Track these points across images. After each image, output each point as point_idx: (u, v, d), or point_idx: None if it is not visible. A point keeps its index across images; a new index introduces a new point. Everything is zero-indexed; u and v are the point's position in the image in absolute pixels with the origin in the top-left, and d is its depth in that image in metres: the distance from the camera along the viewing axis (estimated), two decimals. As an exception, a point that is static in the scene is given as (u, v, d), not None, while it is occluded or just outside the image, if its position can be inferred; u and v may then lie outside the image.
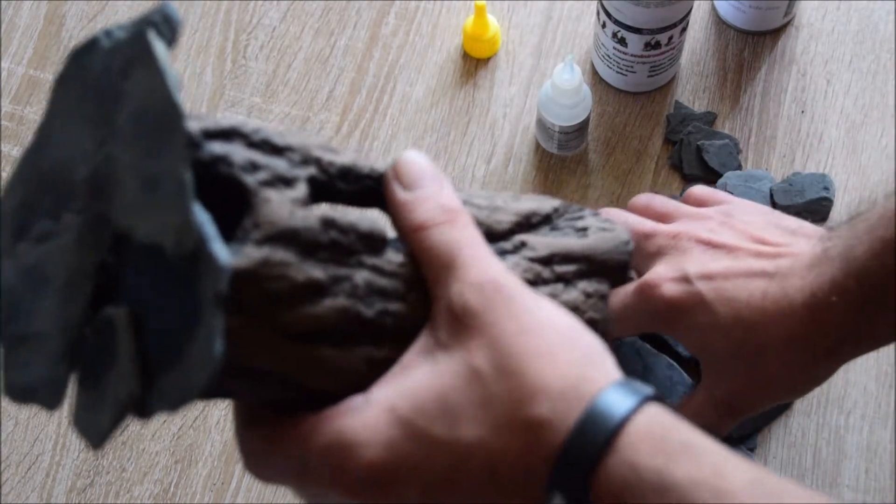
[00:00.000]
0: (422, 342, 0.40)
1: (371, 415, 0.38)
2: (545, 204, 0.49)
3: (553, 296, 0.45)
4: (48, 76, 0.83)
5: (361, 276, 0.40)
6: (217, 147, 0.38)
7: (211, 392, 0.39)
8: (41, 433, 0.74)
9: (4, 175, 0.81)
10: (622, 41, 0.76)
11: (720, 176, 0.77)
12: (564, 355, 0.38)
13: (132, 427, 0.74)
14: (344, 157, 0.42)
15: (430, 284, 0.41)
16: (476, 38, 0.81)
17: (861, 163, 0.79)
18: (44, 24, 0.85)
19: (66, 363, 0.38)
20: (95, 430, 0.37)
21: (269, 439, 0.40)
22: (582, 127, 0.77)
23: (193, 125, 0.38)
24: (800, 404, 0.73)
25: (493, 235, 0.45)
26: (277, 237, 0.37)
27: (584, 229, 0.49)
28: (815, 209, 0.77)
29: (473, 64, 0.82)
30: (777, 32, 0.82)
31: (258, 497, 0.72)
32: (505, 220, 0.46)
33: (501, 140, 0.80)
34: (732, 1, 0.80)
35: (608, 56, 0.78)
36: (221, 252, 0.34)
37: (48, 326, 0.39)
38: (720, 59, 0.82)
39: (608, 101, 0.81)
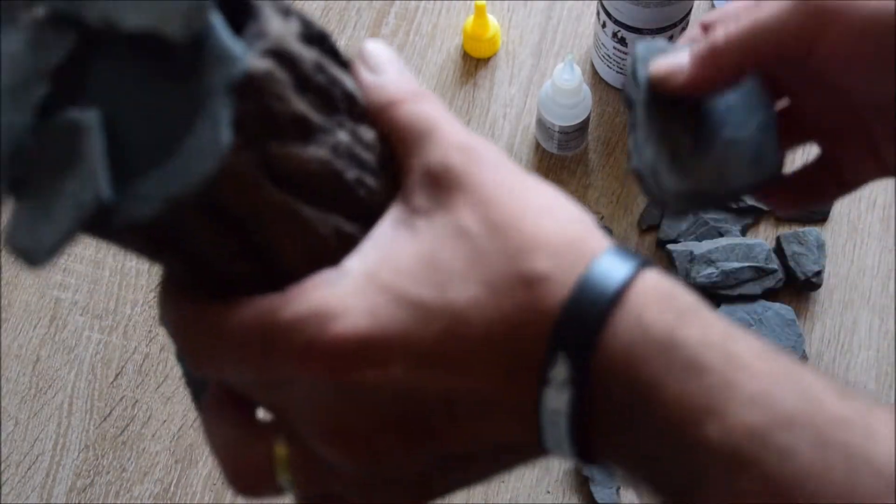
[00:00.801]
0: (393, 214, 0.36)
1: (349, 283, 0.34)
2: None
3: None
4: (48, 76, 0.83)
5: (343, 136, 0.37)
6: None
7: (171, 226, 0.34)
8: (41, 433, 0.74)
9: (4, 175, 0.81)
10: (622, 41, 0.76)
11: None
12: (561, 213, 0.36)
13: (132, 427, 0.74)
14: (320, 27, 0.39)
15: (404, 157, 0.37)
16: (476, 38, 0.81)
17: (861, 163, 0.79)
18: (44, 23, 0.85)
19: (5, 175, 0.33)
20: (40, 244, 0.32)
21: (219, 313, 0.35)
22: (582, 127, 0.77)
23: None
24: (800, 404, 0.73)
25: None
26: (281, 54, 0.34)
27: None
28: (815, 209, 0.77)
29: (473, 64, 0.82)
30: (777, 32, 0.82)
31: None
32: None
33: (501, 140, 0.80)
34: (733, 1, 0.80)
35: (608, 56, 0.78)
36: (235, 43, 0.32)
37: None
38: (720, 59, 0.82)
39: (608, 101, 0.81)
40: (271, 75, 0.33)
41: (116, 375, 0.75)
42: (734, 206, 0.77)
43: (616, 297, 0.33)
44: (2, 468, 0.73)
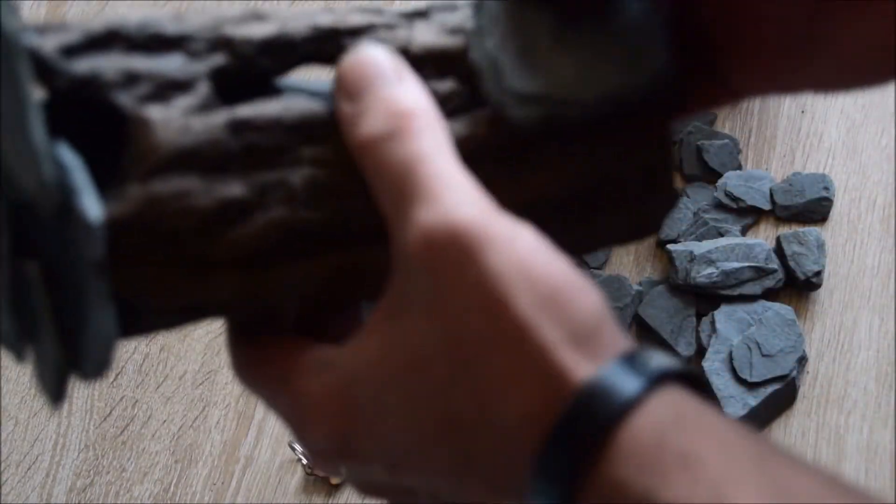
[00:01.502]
0: (386, 296, 0.33)
1: (329, 379, 0.33)
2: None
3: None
4: (48, 76, 0.83)
5: (300, 175, 0.32)
6: (83, 65, 0.31)
7: (166, 327, 0.34)
8: (41, 433, 0.74)
9: (4, 175, 0.81)
10: (622, 41, 0.75)
11: (720, 176, 0.77)
12: (535, 341, 0.30)
13: (132, 427, 0.74)
14: (270, 24, 0.34)
15: (385, 218, 0.32)
16: (476, 38, 0.81)
17: (861, 163, 0.79)
18: (44, 24, 0.85)
19: (15, 320, 0.32)
20: (48, 388, 0.33)
21: (251, 362, 0.35)
22: (582, 127, 0.76)
23: (52, 43, 0.32)
24: (800, 404, 0.73)
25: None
26: (168, 164, 0.31)
27: None
28: (815, 209, 0.77)
29: (473, 64, 0.82)
30: (777, 32, 0.82)
31: (258, 497, 0.72)
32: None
33: (501, 140, 0.80)
34: None
35: (608, 56, 0.78)
36: (88, 206, 0.29)
37: None
38: (720, 59, 0.82)
39: (608, 101, 0.81)
40: (153, 200, 0.30)
41: (116, 375, 0.75)
42: (734, 206, 0.77)
43: (589, 452, 0.29)
44: (2, 468, 0.73)
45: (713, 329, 0.73)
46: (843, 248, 0.77)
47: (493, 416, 0.30)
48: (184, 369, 0.75)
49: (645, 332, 0.74)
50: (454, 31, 0.36)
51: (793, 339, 0.72)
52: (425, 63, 0.35)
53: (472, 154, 0.33)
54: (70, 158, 0.29)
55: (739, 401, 0.70)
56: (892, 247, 0.76)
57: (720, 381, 0.71)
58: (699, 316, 0.74)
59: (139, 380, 0.75)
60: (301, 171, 0.33)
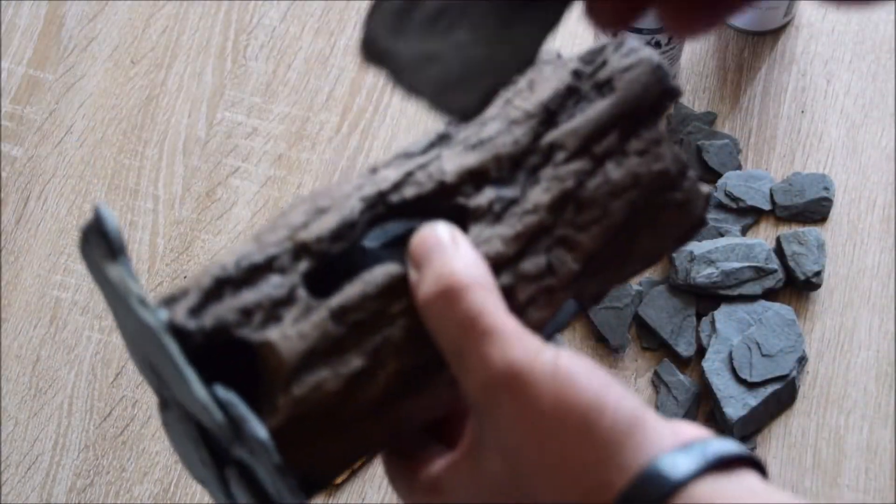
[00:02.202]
0: (464, 436, 0.38)
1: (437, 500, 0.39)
2: (562, 75, 0.43)
3: (604, 185, 0.41)
4: (48, 76, 0.83)
5: (399, 328, 0.38)
6: (209, 319, 0.38)
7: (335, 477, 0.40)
8: (41, 433, 0.74)
9: (5, 175, 0.81)
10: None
11: (720, 176, 0.77)
12: (574, 460, 0.34)
13: (132, 427, 0.74)
14: (330, 215, 0.40)
15: (452, 370, 0.38)
16: (476, 38, 0.81)
17: (861, 163, 0.79)
18: (44, 24, 0.85)
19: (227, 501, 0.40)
20: None
21: (392, 475, 0.41)
22: (582, 127, 0.76)
23: (180, 311, 0.38)
24: (800, 404, 0.73)
25: (517, 157, 0.41)
26: (297, 370, 0.37)
27: (608, 82, 0.43)
28: (815, 209, 0.77)
29: (473, 64, 0.82)
30: (777, 32, 0.82)
31: (258, 497, 0.72)
32: (523, 131, 0.41)
33: (501, 140, 0.80)
34: None
35: (608, 56, 0.78)
36: (256, 430, 0.35)
37: (203, 472, 0.40)
38: (720, 59, 0.82)
39: (608, 101, 0.81)
40: (300, 401, 0.37)
41: (116, 375, 0.75)
42: (734, 206, 0.77)
43: None
44: (2, 468, 0.73)
45: (713, 329, 0.73)
46: (843, 248, 0.77)
47: None
48: (184, 369, 0.75)
49: (645, 332, 0.74)
50: (475, 145, 0.41)
51: (793, 339, 0.72)
52: (462, 185, 0.41)
53: (533, 237, 0.40)
54: (228, 396, 0.35)
55: (739, 401, 0.70)
56: (892, 247, 0.76)
57: (720, 381, 0.71)
58: (699, 316, 0.74)
59: (139, 380, 0.75)
60: (398, 323, 0.38)
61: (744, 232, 0.77)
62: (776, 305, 0.73)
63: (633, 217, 0.41)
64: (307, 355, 0.37)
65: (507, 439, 0.35)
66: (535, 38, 0.37)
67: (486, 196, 0.40)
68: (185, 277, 0.78)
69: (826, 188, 0.77)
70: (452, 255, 0.37)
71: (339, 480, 0.72)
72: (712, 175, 0.78)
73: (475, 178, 0.41)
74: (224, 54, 0.83)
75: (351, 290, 0.38)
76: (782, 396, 0.72)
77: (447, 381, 0.39)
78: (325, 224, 0.40)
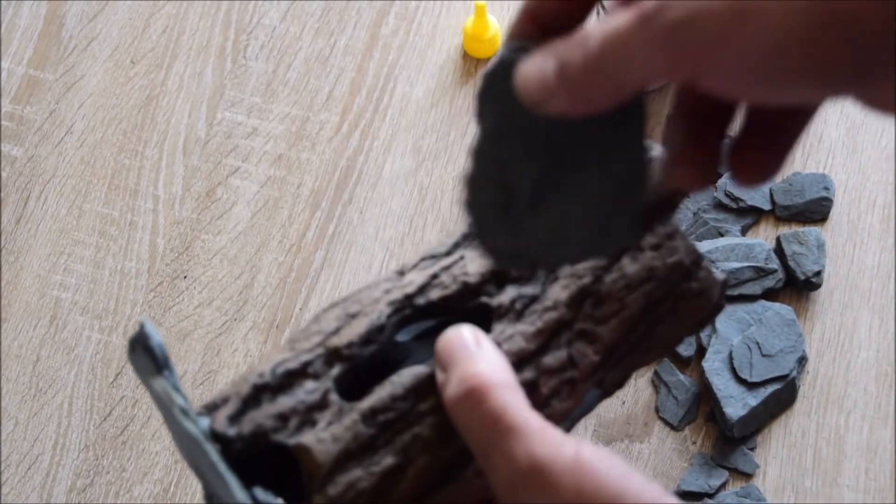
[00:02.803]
0: None
1: None
2: None
3: (621, 279, 0.43)
4: (48, 76, 0.83)
5: (427, 424, 0.40)
6: (247, 426, 0.40)
7: None
8: (41, 433, 0.74)
9: (5, 175, 0.81)
10: (622, 41, 0.75)
11: (720, 176, 0.77)
12: None
13: (132, 427, 0.74)
14: (360, 320, 0.42)
15: (483, 470, 0.40)
16: (476, 38, 0.81)
17: (861, 163, 0.79)
18: (44, 24, 0.85)
19: None
20: None
21: None
22: (582, 127, 0.76)
23: (220, 418, 0.40)
24: (800, 404, 0.73)
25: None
26: (332, 472, 0.39)
27: None
28: (815, 209, 0.77)
29: (473, 64, 0.82)
30: (777, 32, 0.82)
31: (258, 497, 0.72)
32: None
33: (501, 140, 0.80)
34: None
35: (608, 56, 0.78)
36: None
37: None
38: (720, 59, 0.82)
39: (608, 101, 0.81)
40: (337, 500, 0.39)
41: (116, 375, 0.75)
42: (734, 206, 0.77)
43: None
44: (2, 468, 0.73)
45: (713, 329, 0.73)
46: (843, 248, 0.77)
47: None
48: (184, 369, 0.75)
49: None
50: None
51: (793, 339, 0.72)
52: (485, 284, 0.43)
53: (553, 332, 0.42)
54: (267, 498, 0.38)
55: (739, 401, 0.70)
56: (892, 247, 0.76)
57: (720, 381, 0.71)
58: (699, 316, 0.74)
59: (139, 380, 0.75)
60: (426, 421, 0.40)
61: (744, 232, 0.77)
62: (776, 305, 0.73)
63: (651, 308, 0.44)
64: (341, 457, 0.39)
65: None
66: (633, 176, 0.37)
67: (507, 294, 0.43)
68: (185, 277, 0.78)
69: (826, 188, 0.77)
70: (476, 357, 0.39)
71: None
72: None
73: (497, 277, 0.43)
74: (224, 54, 0.83)
75: (380, 393, 0.40)
76: (782, 396, 0.72)
77: (477, 471, 0.40)
78: (356, 329, 0.42)
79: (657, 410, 0.73)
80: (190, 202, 0.80)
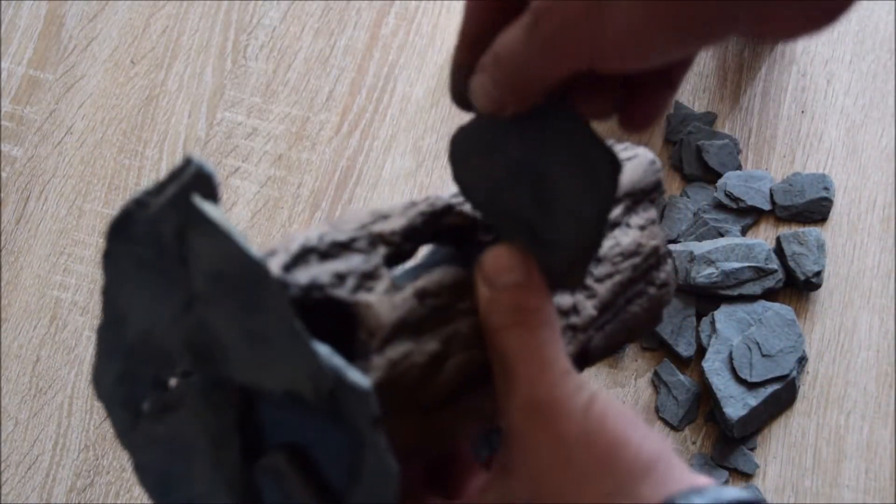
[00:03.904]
0: (498, 456, 0.41)
1: None
2: None
3: (615, 246, 0.46)
4: (48, 76, 0.83)
5: (466, 324, 0.41)
6: (302, 276, 0.39)
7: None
8: (41, 433, 0.74)
9: (5, 175, 0.81)
10: (622, 41, 0.75)
11: (720, 176, 0.77)
12: (595, 488, 0.37)
13: (132, 427, 0.74)
14: (397, 219, 0.43)
15: (497, 391, 0.41)
16: (476, 38, 0.81)
17: (861, 163, 0.79)
18: (44, 24, 0.85)
19: None
20: None
21: None
22: (582, 127, 0.77)
23: (273, 264, 0.38)
24: (800, 404, 0.73)
25: None
26: (391, 335, 0.39)
27: None
28: (815, 209, 0.77)
29: (473, 64, 0.82)
30: (777, 32, 0.82)
31: (258, 497, 0.72)
32: None
33: (501, 140, 0.80)
34: None
35: (608, 56, 0.78)
36: (360, 379, 0.35)
37: (209, 486, 0.40)
38: (720, 59, 0.82)
39: (608, 101, 0.81)
40: (392, 365, 0.38)
41: (116, 375, 0.75)
42: (734, 206, 0.77)
43: None
44: (2, 468, 0.73)
45: (713, 329, 0.73)
46: (843, 248, 0.77)
47: None
48: (184, 369, 0.75)
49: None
50: None
51: (793, 339, 0.72)
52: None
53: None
54: (326, 349, 0.35)
55: (739, 401, 0.70)
56: (892, 247, 0.76)
57: (720, 381, 0.71)
58: (699, 316, 0.74)
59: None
60: (465, 320, 0.41)
61: (744, 232, 0.77)
62: (776, 305, 0.73)
63: (631, 283, 0.47)
64: (398, 325, 0.39)
65: (534, 463, 0.38)
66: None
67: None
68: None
69: (826, 188, 0.77)
70: (529, 288, 0.41)
71: None
72: (712, 175, 0.78)
73: None
74: (224, 54, 0.83)
75: (430, 277, 0.41)
76: (782, 396, 0.72)
77: (490, 393, 0.41)
78: (393, 224, 0.42)
79: (657, 410, 0.73)
80: (190, 202, 0.80)
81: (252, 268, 0.35)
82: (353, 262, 0.40)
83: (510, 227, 0.42)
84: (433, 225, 0.44)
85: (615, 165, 0.38)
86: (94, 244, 0.79)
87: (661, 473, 0.37)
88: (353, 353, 0.39)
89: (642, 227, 0.47)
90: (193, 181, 0.36)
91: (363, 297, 0.39)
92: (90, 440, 0.74)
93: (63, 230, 0.79)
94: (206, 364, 0.38)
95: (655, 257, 0.47)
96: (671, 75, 0.41)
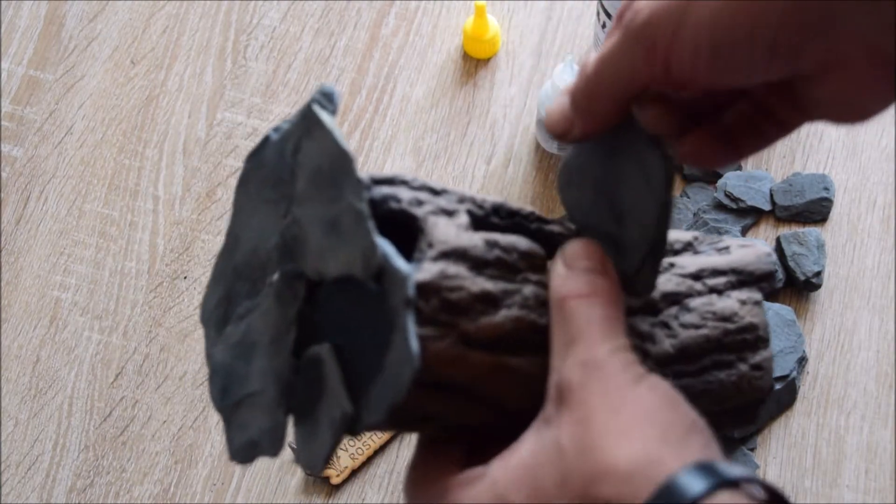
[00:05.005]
0: (540, 415, 0.42)
1: (481, 488, 0.41)
2: (684, 234, 0.51)
3: (709, 305, 0.48)
4: (48, 76, 0.83)
5: (529, 290, 0.43)
6: (385, 188, 0.43)
7: (408, 411, 0.41)
8: (41, 433, 0.74)
9: (5, 175, 0.81)
10: (622, 41, 0.75)
11: (720, 176, 0.77)
12: (640, 433, 0.38)
13: (132, 427, 0.74)
14: (492, 198, 0.46)
15: (552, 355, 0.42)
16: (476, 39, 0.81)
17: (861, 163, 0.79)
18: (44, 24, 0.85)
19: (283, 409, 0.43)
20: (315, 457, 0.41)
21: (416, 485, 0.44)
22: (582, 127, 0.77)
23: (363, 174, 0.42)
24: (800, 404, 0.73)
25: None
26: (450, 253, 0.41)
27: (726, 248, 0.51)
28: (815, 209, 0.77)
29: (473, 64, 0.82)
30: (777, 32, 0.82)
31: (258, 497, 0.72)
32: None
33: (501, 140, 0.80)
34: None
35: (608, 56, 0.78)
36: (403, 264, 0.39)
37: (262, 383, 0.43)
38: (720, 60, 0.82)
39: (608, 102, 0.81)
40: (442, 275, 0.41)
41: (116, 376, 0.75)
42: (734, 206, 0.77)
43: None
44: (2, 468, 0.74)
45: (713, 329, 0.73)
46: (843, 249, 0.77)
47: (596, 494, 0.37)
48: (184, 370, 0.75)
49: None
50: None
51: (793, 340, 0.72)
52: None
53: (630, 307, 0.46)
54: (383, 241, 0.40)
55: (739, 401, 0.70)
56: (892, 247, 0.76)
57: (720, 381, 0.71)
58: (699, 316, 0.74)
59: (139, 380, 0.75)
60: (530, 287, 0.43)
61: (744, 232, 0.77)
62: (776, 305, 0.73)
63: (720, 351, 0.47)
64: (459, 250, 0.42)
65: (582, 410, 0.39)
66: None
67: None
68: (185, 278, 0.78)
69: (826, 188, 0.77)
70: (604, 273, 0.43)
71: (338, 480, 0.72)
72: (712, 175, 0.78)
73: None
74: (224, 54, 0.83)
75: (506, 237, 0.43)
76: (782, 397, 0.72)
77: (536, 368, 0.43)
78: (491, 198, 0.46)
79: (657, 411, 0.73)
80: (190, 203, 0.80)
81: (343, 160, 0.40)
82: (436, 200, 0.44)
83: (596, 237, 0.45)
84: (520, 218, 0.46)
85: (668, 163, 0.41)
86: (94, 244, 0.79)
87: (705, 439, 0.39)
88: (411, 259, 0.42)
89: (743, 302, 0.49)
90: (319, 99, 0.42)
91: (432, 216, 0.43)
92: (90, 440, 0.74)
93: (63, 230, 0.79)
94: (287, 261, 0.43)
95: (753, 335, 0.48)
96: (768, 134, 0.43)
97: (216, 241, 0.78)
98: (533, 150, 0.80)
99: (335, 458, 0.72)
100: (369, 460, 0.73)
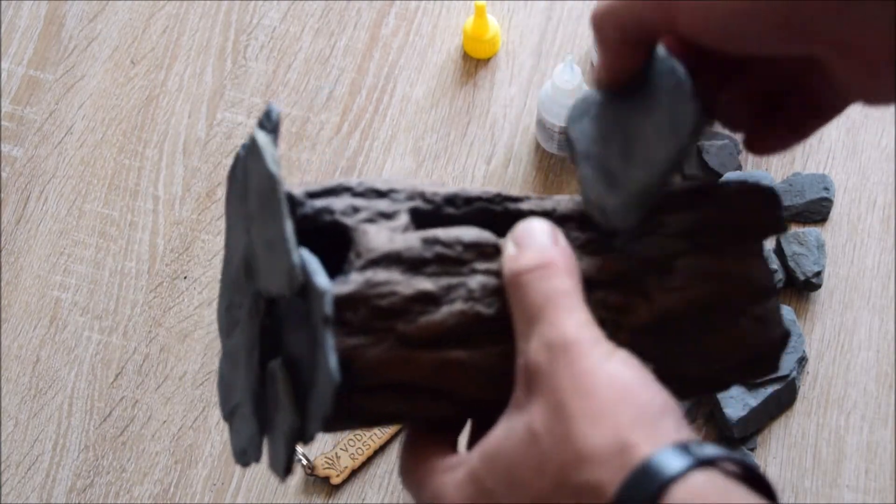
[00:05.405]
0: (511, 400, 0.42)
1: (460, 474, 0.41)
2: (685, 185, 0.49)
3: (697, 263, 0.45)
4: (48, 76, 0.83)
5: (476, 281, 0.43)
6: (319, 202, 0.44)
7: (366, 414, 0.43)
8: (41, 433, 0.74)
9: (5, 175, 0.81)
10: (622, 41, 0.75)
11: (720, 176, 0.77)
12: (613, 417, 0.38)
13: (132, 427, 0.74)
14: (450, 188, 0.46)
15: (516, 337, 0.42)
16: (476, 39, 0.81)
17: (861, 163, 0.79)
18: (44, 24, 0.85)
19: (256, 419, 0.44)
20: (277, 464, 0.42)
21: (405, 470, 0.45)
22: (582, 127, 0.77)
23: (298, 190, 0.44)
24: (800, 404, 0.73)
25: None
26: (379, 260, 0.42)
27: (727, 198, 0.48)
28: (815, 209, 0.77)
29: (473, 64, 0.82)
30: (777, 32, 0.82)
31: (258, 497, 0.72)
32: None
33: (501, 140, 0.80)
34: None
35: (608, 56, 0.78)
36: (323, 280, 0.39)
37: (242, 395, 0.45)
38: (720, 60, 0.82)
39: (608, 102, 0.81)
40: (368, 284, 0.41)
41: (116, 376, 0.75)
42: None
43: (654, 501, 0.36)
44: (2, 468, 0.74)
45: (713, 329, 0.73)
46: (843, 249, 0.77)
47: (575, 480, 0.38)
48: (184, 370, 0.75)
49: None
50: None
51: (793, 340, 0.72)
52: (568, 220, 0.46)
53: (600, 280, 0.44)
54: (308, 255, 0.40)
55: (739, 401, 0.70)
56: (892, 247, 0.76)
57: (720, 381, 0.71)
58: (699, 316, 0.74)
59: (139, 380, 0.75)
60: (476, 278, 0.43)
61: (744, 232, 0.77)
62: (776, 306, 0.73)
63: (710, 310, 0.45)
64: (391, 256, 0.42)
65: (554, 395, 0.39)
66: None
67: (585, 235, 0.46)
68: (185, 278, 0.78)
69: (826, 188, 0.77)
70: (555, 244, 0.43)
71: (338, 480, 0.72)
72: (712, 175, 0.78)
73: (580, 221, 0.46)
74: (224, 54, 0.83)
75: (449, 231, 0.43)
76: (782, 397, 0.72)
77: (499, 351, 0.42)
78: (444, 189, 0.46)
79: (657, 411, 0.73)
80: (190, 202, 0.80)
81: (270, 181, 0.41)
82: (376, 204, 0.44)
83: (592, 167, 0.44)
84: (494, 204, 0.46)
85: (700, 119, 0.41)
86: (94, 244, 0.79)
87: (680, 416, 0.39)
88: (342, 271, 0.42)
89: (738, 257, 0.46)
90: (262, 119, 0.43)
91: (364, 224, 0.43)
92: (90, 440, 0.74)
93: (63, 230, 0.79)
94: (251, 279, 0.44)
95: (749, 288, 0.46)
96: (819, 100, 0.43)
97: (216, 241, 0.78)
98: (533, 150, 0.80)
99: (335, 458, 0.72)
100: (369, 460, 0.73)
